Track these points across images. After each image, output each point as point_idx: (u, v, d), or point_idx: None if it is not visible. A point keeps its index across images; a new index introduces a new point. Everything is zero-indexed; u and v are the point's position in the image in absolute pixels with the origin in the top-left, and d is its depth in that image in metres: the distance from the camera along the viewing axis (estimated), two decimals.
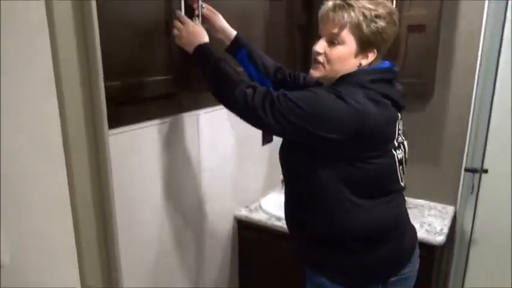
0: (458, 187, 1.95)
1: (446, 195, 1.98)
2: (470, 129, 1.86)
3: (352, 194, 1.05)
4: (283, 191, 1.99)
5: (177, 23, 1.20)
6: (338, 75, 1.05)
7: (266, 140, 1.98)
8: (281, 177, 2.04)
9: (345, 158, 1.02)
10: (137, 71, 1.19)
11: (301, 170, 1.11)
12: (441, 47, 1.80)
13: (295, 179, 1.15)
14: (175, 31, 1.20)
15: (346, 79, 1.04)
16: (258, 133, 1.92)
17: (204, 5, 1.28)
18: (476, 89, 1.80)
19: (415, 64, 1.70)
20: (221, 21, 1.31)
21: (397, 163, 1.08)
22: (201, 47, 1.16)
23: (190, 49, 1.18)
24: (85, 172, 0.69)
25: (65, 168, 0.64)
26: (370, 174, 1.04)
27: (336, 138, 0.96)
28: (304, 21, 1.95)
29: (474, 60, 1.78)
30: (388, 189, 1.10)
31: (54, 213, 0.68)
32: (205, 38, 1.18)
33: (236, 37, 1.30)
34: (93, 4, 0.62)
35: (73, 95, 0.60)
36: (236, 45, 1.30)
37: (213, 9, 1.30)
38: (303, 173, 1.10)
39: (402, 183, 1.13)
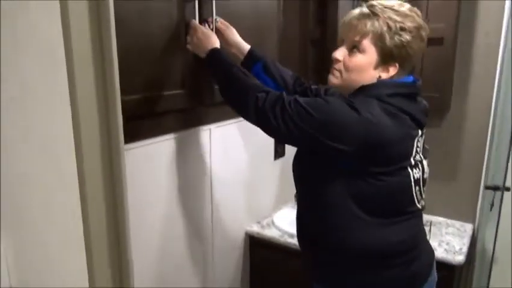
0: (476, 204, 1.89)
1: (464, 213, 1.92)
2: (489, 144, 1.80)
3: (362, 211, 1.00)
4: (296, 206, 1.97)
5: (189, 30, 1.21)
6: (356, 86, 1.02)
7: (278, 154, 1.95)
8: (294, 192, 2.00)
9: (355, 172, 0.99)
10: (151, 85, 1.18)
11: (311, 183, 1.08)
12: (458, 59, 1.76)
13: (306, 191, 1.13)
14: (188, 37, 1.22)
15: (364, 91, 1.00)
16: (270, 147, 1.89)
17: (218, 19, 1.28)
18: (496, 103, 1.76)
19: (432, 77, 1.67)
20: (235, 35, 1.29)
21: (413, 183, 1.02)
22: (212, 52, 1.15)
23: (202, 54, 1.18)
24: (99, 188, 0.66)
25: (77, 185, 0.62)
26: (382, 192, 0.99)
27: (346, 149, 0.93)
28: (317, 36, 1.94)
29: (493, 72, 1.74)
30: (401, 210, 1.05)
31: (66, 230, 0.65)
32: (215, 43, 1.17)
33: (250, 51, 1.29)
34: (112, 18, 0.60)
35: (88, 110, 0.58)
36: (251, 59, 1.28)
37: (226, 23, 1.29)
38: (313, 186, 1.07)
39: (419, 205, 1.07)
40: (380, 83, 1.01)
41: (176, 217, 1.39)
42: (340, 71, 1.03)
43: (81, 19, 0.56)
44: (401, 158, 1.00)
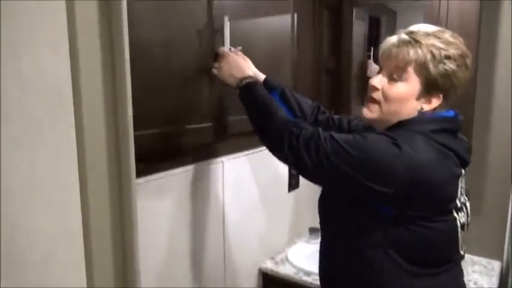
0: (503, 239, 1.78)
1: (490, 249, 1.80)
2: None
3: (402, 259, 0.90)
4: (310, 240, 1.88)
5: (218, 56, 1.18)
6: (394, 119, 0.93)
7: (292, 186, 1.88)
8: (308, 225, 1.92)
9: (395, 217, 0.88)
10: (172, 119, 1.14)
11: (344, 226, 0.97)
12: (479, 90, 1.71)
13: (335, 233, 1.02)
14: (216, 64, 1.17)
15: (404, 126, 0.91)
16: (284, 179, 1.83)
17: (232, 49, 1.26)
18: None
19: (453, 105, 1.61)
20: (250, 66, 1.27)
21: (459, 228, 0.92)
22: (247, 82, 1.10)
23: (232, 83, 1.14)
24: (107, 235, 0.60)
25: (81, 230, 0.56)
26: (424, 240, 0.89)
27: (385, 191, 0.84)
28: (332, 66, 1.91)
29: None
30: (446, 258, 0.95)
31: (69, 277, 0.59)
32: (247, 71, 1.14)
33: (265, 80, 1.25)
34: (126, 49, 0.56)
35: (97, 150, 0.54)
36: (266, 88, 1.24)
37: (241, 54, 1.27)
38: (345, 229, 0.97)
39: (462, 251, 0.97)
40: (423, 117, 0.92)
41: (187, 253, 1.32)
42: (378, 102, 0.94)
43: (92, 50, 0.52)
44: (447, 200, 0.90)
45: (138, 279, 0.62)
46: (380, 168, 0.85)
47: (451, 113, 0.96)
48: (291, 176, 1.86)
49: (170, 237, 1.25)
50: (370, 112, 0.96)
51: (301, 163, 0.92)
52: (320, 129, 0.93)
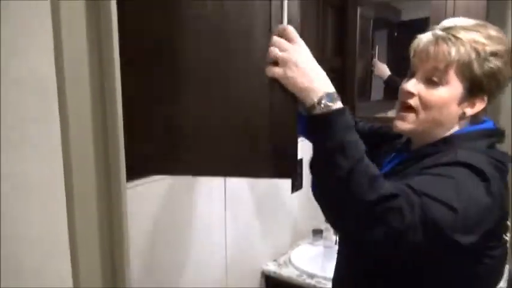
0: (511, 242, 1.75)
1: None
2: None
3: None
4: (314, 242, 1.86)
5: (277, 40, 0.73)
6: (434, 129, 0.82)
7: (295, 187, 1.86)
8: (311, 227, 1.90)
9: (470, 253, 0.75)
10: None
11: (391, 268, 0.81)
12: None
13: (373, 272, 0.84)
14: (272, 51, 0.72)
15: (455, 142, 0.80)
16: (287, 180, 1.81)
17: None
18: None
19: None
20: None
21: (509, 250, 0.85)
22: (336, 108, 0.71)
23: (304, 96, 0.73)
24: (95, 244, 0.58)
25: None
26: (486, 271, 0.79)
27: (474, 240, 0.69)
28: (337, 65, 1.89)
29: None
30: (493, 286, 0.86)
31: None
32: (327, 83, 0.76)
33: None
34: (116, 50, 0.55)
35: (83, 154, 0.52)
36: None
37: None
38: (395, 271, 0.81)
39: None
40: (472, 132, 0.82)
41: (189, 255, 1.31)
42: (415, 109, 0.81)
43: (78, 50, 0.51)
44: (505, 223, 0.82)
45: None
46: (479, 217, 0.71)
47: (491, 124, 0.86)
48: (294, 176, 1.83)
49: (171, 240, 1.24)
50: (405, 122, 0.82)
51: (403, 244, 0.68)
52: (405, 189, 0.68)
